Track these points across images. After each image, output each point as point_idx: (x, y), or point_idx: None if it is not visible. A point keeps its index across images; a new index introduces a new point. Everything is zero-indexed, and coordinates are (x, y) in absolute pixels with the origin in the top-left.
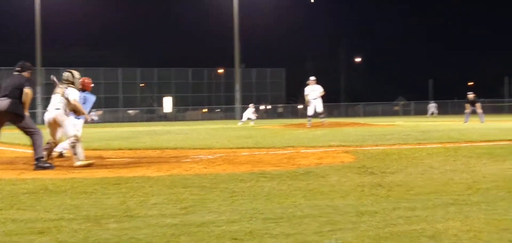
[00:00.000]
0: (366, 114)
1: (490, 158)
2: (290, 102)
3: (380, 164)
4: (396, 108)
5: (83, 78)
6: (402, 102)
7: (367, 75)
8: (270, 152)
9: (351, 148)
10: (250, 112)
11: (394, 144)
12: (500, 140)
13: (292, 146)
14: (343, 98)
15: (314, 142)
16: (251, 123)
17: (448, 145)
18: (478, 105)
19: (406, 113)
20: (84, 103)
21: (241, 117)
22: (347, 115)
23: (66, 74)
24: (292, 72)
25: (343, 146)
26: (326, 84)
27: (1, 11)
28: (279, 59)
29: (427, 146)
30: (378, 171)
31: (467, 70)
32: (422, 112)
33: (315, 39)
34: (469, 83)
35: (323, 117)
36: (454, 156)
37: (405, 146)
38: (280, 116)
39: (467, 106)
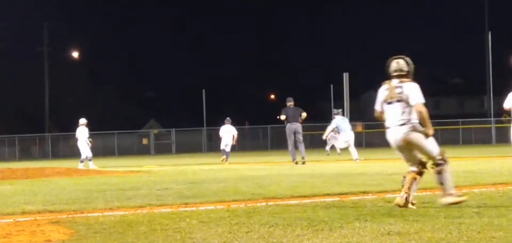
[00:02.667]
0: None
1: (309, 225)
2: None
3: None
4: (145, 141)
5: None
6: (156, 131)
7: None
8: None
9: (64, 215)
10: None
11: (142, 206)
12: None
13: None
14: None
15: None
16: None
17: (236, 205)
18: None
19: (162, 149)
20: None
21: None
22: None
23: (398, 62)
24: None
25: (50, 211)
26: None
27: None
28: None
29: (198, 207)
30: None
31: None
32: (194, 147)
33: None
34: None
35: None
36: (247, 225)
37: (161, 209)
38: None
39: None
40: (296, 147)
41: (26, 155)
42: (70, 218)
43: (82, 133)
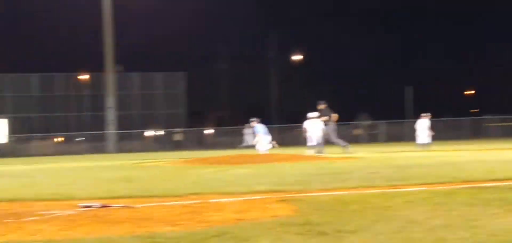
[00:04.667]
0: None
1: (503, 205)
2: (194, 124)
3: (333, 219)
4: (356, 131)
5: None
6: (368, 122)
7: (309, 83)
8: (164, 203)
9: (288, 195)
10: None
11: (355, 188)
12: None
13: (198, 193)
14: (275, 117)
15: (232, 186)
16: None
17: (438, 187)
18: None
19: (372, 138)
20: None
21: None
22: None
23: None
24: (195, 78)
25: (277, 191)
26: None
27: None
28: (176, 59)
29: (404, 189)
30: (331, 230)
31: None
32: (398, 137)
33: (230, 28)
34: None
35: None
36: (447, 205)
37: (371, 191)
38: (178, 146)
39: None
40: None
41: None
42: (293, 196)
43: (318, 125)
